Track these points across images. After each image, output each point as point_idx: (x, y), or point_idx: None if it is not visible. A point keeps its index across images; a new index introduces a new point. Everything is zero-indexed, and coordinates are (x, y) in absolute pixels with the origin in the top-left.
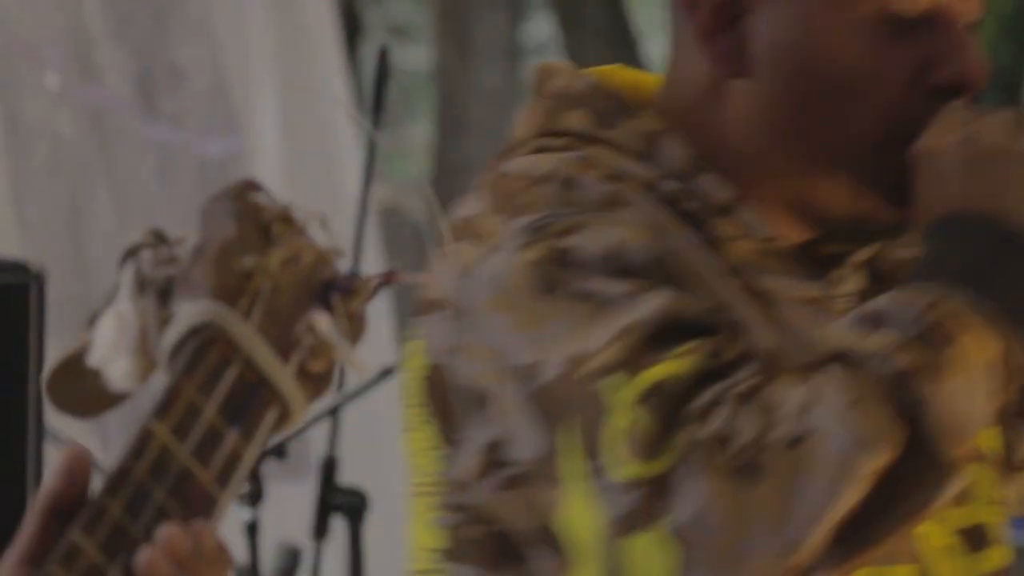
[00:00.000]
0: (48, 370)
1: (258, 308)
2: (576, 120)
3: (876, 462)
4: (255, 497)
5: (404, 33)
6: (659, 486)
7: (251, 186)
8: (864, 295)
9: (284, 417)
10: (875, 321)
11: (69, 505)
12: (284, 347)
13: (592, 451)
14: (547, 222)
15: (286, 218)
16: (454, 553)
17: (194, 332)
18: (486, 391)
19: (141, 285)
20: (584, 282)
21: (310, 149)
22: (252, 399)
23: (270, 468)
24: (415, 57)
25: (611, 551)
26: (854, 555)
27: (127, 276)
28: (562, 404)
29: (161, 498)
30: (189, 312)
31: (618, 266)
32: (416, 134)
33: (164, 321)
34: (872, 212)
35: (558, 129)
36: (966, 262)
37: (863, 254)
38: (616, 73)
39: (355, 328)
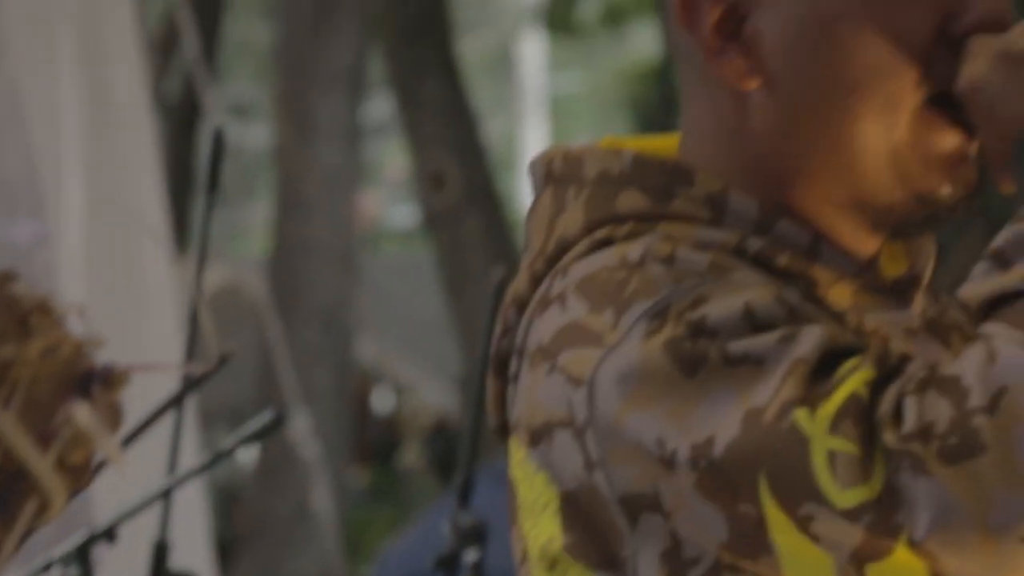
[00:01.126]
0: None
1: (17, 398)
2: (630, 202)
3: None
4: None
5: (246, 112)
6: (886, 502)
7: (8, 276)
8: (924, 315)
9: (44, 508)
10: (1003, 259)
11: None
12: (43, 437)
13: (803, 492)
14: (668, 302)
15: (45, 308)
16: None
17: None
18: (648, 494)
19: None
20: (728, 348)
21: (117, 234)
22: (12, 489)
23: (100, 553)
24: (256, 136)
25: None
26: None
27: None
28: (749, 463)
29: None
30: None
31: (756, 324)
32: (257, 212)
33: None
34: (936, 183)
35: (613, 216)
36: None
37: (927, 274)
38: (623, 143)
39: (113, 418)
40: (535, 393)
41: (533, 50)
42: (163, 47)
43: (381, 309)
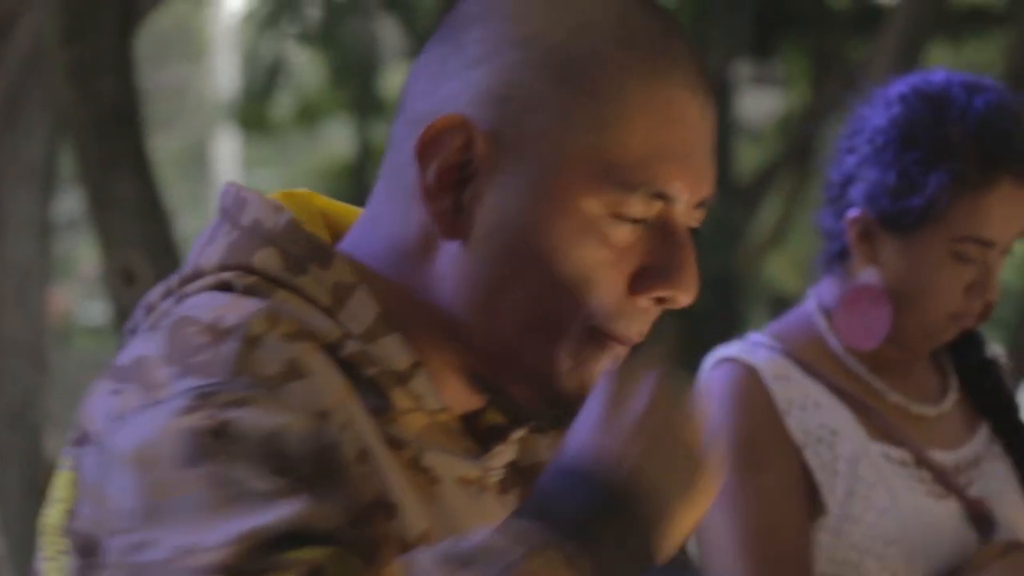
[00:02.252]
0: None
1: None
2: (266, 260)
3: None
4: None
5: None
6: None
7: None
8: (513, 467)
9: None
10: (465, 562)
11: None
12: None
13: None
14: (216, 390)
15: None
16: None
17: None
18: (93, 542)
19: None
20: (230, 466)
21: None
22: None
23: None
24: None
25: None
26: None
27: None
28: None
29: None
30: None
31: (272, 453)
32: None
33: None
34: (541, 403)
35: (246, 266)
36: (575, 516)
37: (520, 432)
38: (312, 200)
39: None
40: (95, 401)
41: (228, 147)
42: None
43: (72, 405)
